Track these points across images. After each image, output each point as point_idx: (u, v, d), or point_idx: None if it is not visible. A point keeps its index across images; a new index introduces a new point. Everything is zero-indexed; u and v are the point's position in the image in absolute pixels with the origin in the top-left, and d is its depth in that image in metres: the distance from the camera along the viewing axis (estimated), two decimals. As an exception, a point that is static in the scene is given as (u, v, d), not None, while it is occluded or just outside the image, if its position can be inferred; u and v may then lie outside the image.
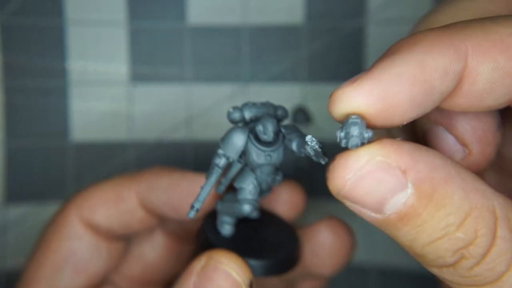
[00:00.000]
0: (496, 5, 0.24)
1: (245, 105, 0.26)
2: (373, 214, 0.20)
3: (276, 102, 0.39)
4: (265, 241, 0.28)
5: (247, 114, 0.26)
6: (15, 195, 0.39)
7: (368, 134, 0.20)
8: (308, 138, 0.23)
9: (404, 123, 0.21)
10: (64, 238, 0.30)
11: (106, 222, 0.30)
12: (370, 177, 0.19)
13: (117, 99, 0.39)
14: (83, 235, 0.30)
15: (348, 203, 0.20)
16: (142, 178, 0.30)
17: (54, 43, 0.38)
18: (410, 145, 0.20)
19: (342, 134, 0.20)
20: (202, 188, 0.26)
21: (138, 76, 0.39)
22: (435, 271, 0.21)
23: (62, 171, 0.39)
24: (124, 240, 0.32)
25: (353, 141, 0.20)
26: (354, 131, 0.20)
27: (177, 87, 0.39)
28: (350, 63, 0.39)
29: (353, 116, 0.20)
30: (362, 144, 0.20)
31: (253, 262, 0.26)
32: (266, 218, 0.30)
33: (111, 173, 0.39)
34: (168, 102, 0.39)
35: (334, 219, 0.31)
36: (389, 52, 0.21)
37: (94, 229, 0.30)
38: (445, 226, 0.20)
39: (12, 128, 0.39)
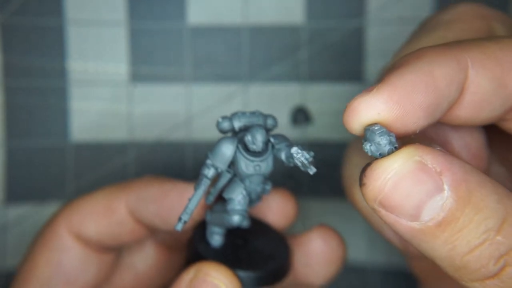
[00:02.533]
0: (467, 35, 0.25)
1: (235, 114, 0.26)
2: (409, 223, 0.20)
3: (276, 102, 0.39)
4: (255, 252, 0.28)
5: (237, 124, 0.26)
6: (15, 195, 0.39)
7: (394, 139, 0.20)
8: (294, 150, 0.24)
9: (417, 131, 0.21)
10: (53, 251, 0.30)
11: (96, 233, 0.30)
12: (409, 177, 0.19)
13: (117, 99, 0.39)
14: (72, 247, 0.30)
15: (383, 212, 0.20)
16: (132, 188, 0.30)
17: (54, 43, 0.38)
18: (441, 149, 0.20)
19: (373, 147, 0.20)
20: (190, 199, 0.26)
21: (138, 76, 0.39)
22: (477, 286, 0.20)
23: (62, 171, 0.39)
24: (114, 251, 0.31)
25: (387, 149, 0.20)
26: (383, 139, 0.20)
27: (177, 87, 0.39)
28: (350, 63, 0.39)
29: (375, 127, 0.20)
30: (395, 148, 0.20)
31: (243, 274, 0.26)
32: (256, 227, 0.30)
33: (111, 173, 0.39)
34: (168, 102, 0.39)
35: (325, 228, 0.31)
36: (397, 64, 0.21)
37: (84, 241, 0.30)
38: (484, 231, 0.19)
39: (12, 128, 0.39)
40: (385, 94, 0.20)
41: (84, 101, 0.39)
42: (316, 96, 0.39)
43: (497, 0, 0.37)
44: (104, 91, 0.39)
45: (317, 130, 0.40)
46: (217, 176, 0.27)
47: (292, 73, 0.39)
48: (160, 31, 0.39)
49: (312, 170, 0.24)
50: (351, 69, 0.39)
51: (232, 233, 0.28)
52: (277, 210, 0.31)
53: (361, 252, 0.41)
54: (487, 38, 0.22)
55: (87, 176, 0.39)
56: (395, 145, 0.20)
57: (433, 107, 0.21)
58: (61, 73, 0.39)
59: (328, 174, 0.40)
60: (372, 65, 0.39)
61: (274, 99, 0.39)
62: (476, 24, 0.26)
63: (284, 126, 0.40)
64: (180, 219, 0.26)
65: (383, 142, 0.20)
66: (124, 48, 0.39)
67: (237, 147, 0.26)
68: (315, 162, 0.24)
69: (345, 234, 0.41)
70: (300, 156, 0.24)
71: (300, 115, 0.39)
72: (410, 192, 0.19)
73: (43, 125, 0.39)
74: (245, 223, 0.28)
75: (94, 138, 0.39)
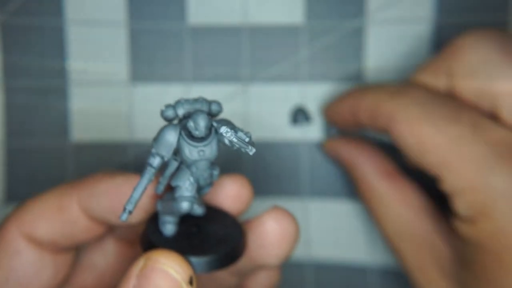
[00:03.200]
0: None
1: (178, 102, 0.26)
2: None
3: (276, 102, 0.39)
4: (208, 237, 0.28)
5: (180, 111, 0.26)
6: (15, 195, 0.39)
7: (334, 131, 0.40)
8: (222, 129, 0.25)
9: (351, 129, 0.38)
10: (4, 256, 0.29)
11: (49, 234, 0.29)
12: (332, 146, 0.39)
13: (117, 99, 0.39)
14: (24, 250, 0.29)
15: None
16: (83, 185, 0.29)
17: (54, 43, 0.38)
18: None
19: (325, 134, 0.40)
20: (134, 189, 0.26)
21: (138, 76, 0.39)
22: None
23: (62, 171, 0.39)
24: (71, 251, 0.31)
25: (329, 135, 0.40)
26: (328, 131, 0.40)
27: (177, 87, 0.39)
28: (350, 63, 0.39)
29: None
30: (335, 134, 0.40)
31: (194, 259, 0.26)
32: (211, 214, 0.29)
33: (111, 173, 0.39)
34: (168, 102, 0.39)
35: (278, 209, 0.30)
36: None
37: (37, 242, 0.29)
38: None
39: (12, 128, 0.39)
40: (323, 112, 0.39)
41: (84, 101, 0.39)
42: (316, 96, 0.39)
43: (497, 0, 0.37)
44: (104, 91, 0.39)
45: (317, 130, 0.40)
46: (165, 165, 0.27)
47: (292, 73, 0.39)
48: (160, 31, 0.39)
49: (251, 151, 0.24)
50: (351, 69, 0.39)
51: (186, 221, 0.28)
52: (233, 195, 0.30)
53: (361, 252, 0.41)
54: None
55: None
56: (334, 134, 0.39)
57: (342, 123, 0.37)
58: (61, 73, 0.39)
59: (328, 174, 0.40)
60: (372, 65, 0.39)
61: (274, 99, 0.39)
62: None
63: (284, 126, 0.40)
64: (124, 209, 0.26)
65: (328, 132, 0.40)
66: (124, 48, 0.39)
67: (180, 133, 0.26)
68: (254, 143, 0.25)
69: (345, 234, 0.41)
70: (230, 135, 0.24)
71: (300, 115, 0.39)
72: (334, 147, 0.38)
73: (43, 125, 0.39)
74: (199, 211, 0.28)
75: (94, 138, 0.39)
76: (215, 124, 0.26)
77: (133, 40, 0.39)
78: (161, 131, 0.26)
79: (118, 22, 0.39)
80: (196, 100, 0.26)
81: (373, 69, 0.39)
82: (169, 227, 0.28)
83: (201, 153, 0.26)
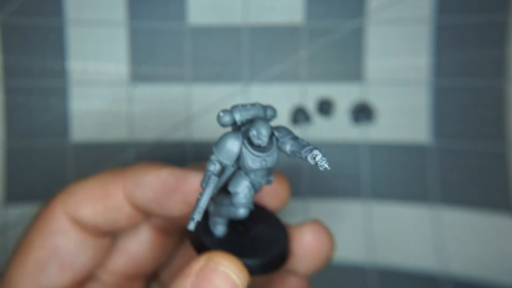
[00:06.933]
0: None
1: (235, 107, 0.26)
2: None
3: (276, 102, 0.39)
4: (257, 239, 0.28)
5: (238, 117, 0.26)
6: (15, 195, 0.39)
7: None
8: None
9: None
10: (49, 234, 0.30)
11: (92, 218, 0.30)
12: None
13: (117, 99, 0.39)
14: (68, 231, 0.30)
15: None
16: (129, 174, 0.30)
17: (54, 43, 0.38)
18: None
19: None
20: (200, 198, 0.26)
21: (138, 76, 0.39)
22: None
23: (62, 171, 0.39)
24: (110, 235, 0.31)
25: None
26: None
27: (177, 87, 0.39)
28: (350, 63, 0.39)
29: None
30: None
31: (249, 261, 0.26)
32: (254, 212, 0.29)
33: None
34: (168, 102, 0.39)
35: (318, 224, 0.31)
36: None
37: (80, 225, 0.30)
38: None
39: (12, 128, 0.39)
40: None
41: (84, 101, 0.39)
42: (316, 96, 0.39)
43: (497, 0, 0.37)
44: (104, 91, 0.39)
45: (317, 130, 0.40)
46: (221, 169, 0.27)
47: (292, 73, 0.39)
48: (160, 31, 0.39)
49: (322, 167, 0.24)
50: (351, 69, 0.39)
51: (232, 220, 0.28)
52: (271, 192, 0.31)
53: (361, 252, 0.41)
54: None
55: (87, 176, 0.39)
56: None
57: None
58: (61, 73, 0.39)
59: (329, 175, 0.40)
60: (372, 65, 0.39)
61: (274, 99, 0.39)
62: None
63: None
64: (193, 218, 0.26)
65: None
66: (124, 48, 0.39)
67: (243, 143, 0.25)
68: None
69: (345, 234, 0.41)
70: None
71: (300, 115, 0.39)
72: None
73: (43, 125, 0.39)
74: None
75: (94, 138, 0.39)
76: (275, 133, 0.25)
77: (133, 40, 0.39)
78: (223, 139, 0.25)
79: (118, 22, 0.39)
80: (253, 106, 0.26)
81: (373, 69, 0.39)
82: (220, 228, 0.28)
83: (264, 162, 0.25)
